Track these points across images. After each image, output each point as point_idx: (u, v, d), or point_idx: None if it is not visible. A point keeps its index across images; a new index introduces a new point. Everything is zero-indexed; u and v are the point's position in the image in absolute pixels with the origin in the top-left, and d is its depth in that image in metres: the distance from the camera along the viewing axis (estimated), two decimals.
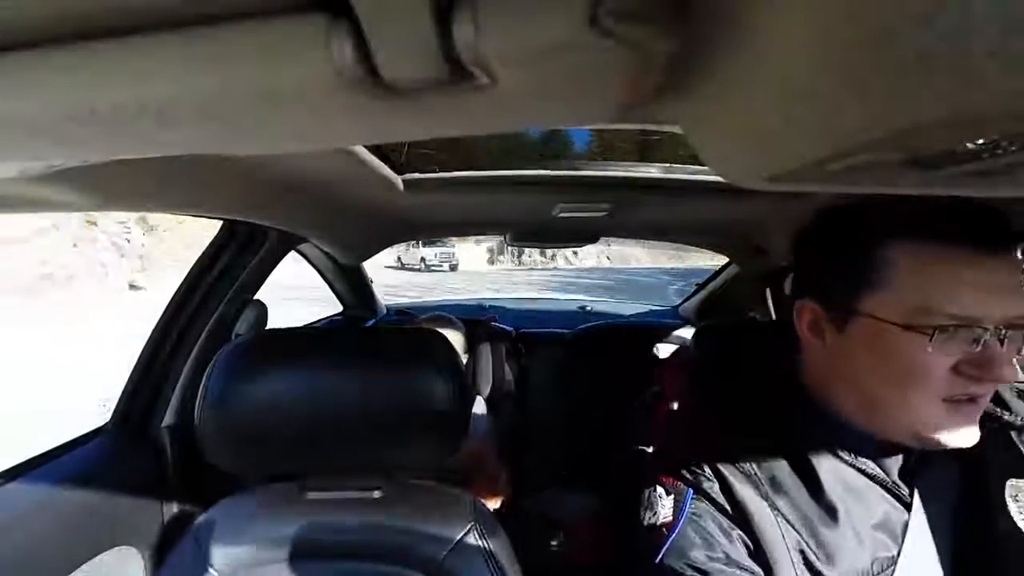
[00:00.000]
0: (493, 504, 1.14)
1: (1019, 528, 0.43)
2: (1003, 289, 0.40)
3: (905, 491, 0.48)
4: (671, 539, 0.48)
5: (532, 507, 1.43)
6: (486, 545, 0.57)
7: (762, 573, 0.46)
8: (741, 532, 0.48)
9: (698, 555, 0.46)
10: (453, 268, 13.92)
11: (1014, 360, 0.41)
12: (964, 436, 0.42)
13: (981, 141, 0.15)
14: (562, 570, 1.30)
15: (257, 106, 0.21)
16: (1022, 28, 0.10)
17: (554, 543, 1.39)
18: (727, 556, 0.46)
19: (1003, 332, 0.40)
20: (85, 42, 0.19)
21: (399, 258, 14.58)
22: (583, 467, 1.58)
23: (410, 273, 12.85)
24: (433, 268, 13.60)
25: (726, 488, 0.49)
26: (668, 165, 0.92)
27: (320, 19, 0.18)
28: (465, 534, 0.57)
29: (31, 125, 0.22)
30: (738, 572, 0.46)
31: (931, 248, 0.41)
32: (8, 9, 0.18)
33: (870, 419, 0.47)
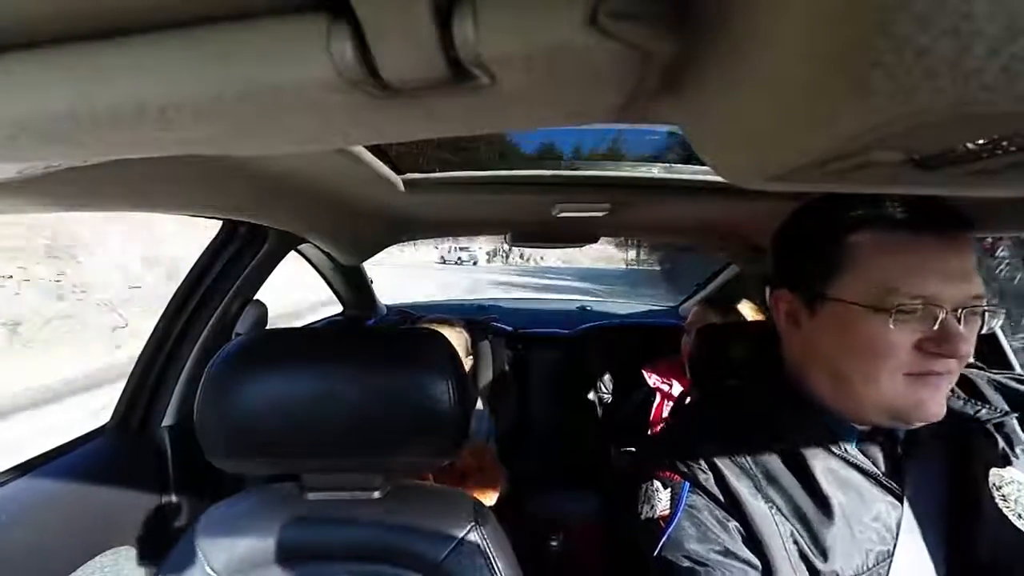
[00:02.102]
0: (493, 504, 1.14)
1: (1003, 514, 0.45)
2: (959, 273, 0.44)
3: (896, 485, 0.49)
4: (668, 532, 0.49)
5: (532, 507, 1.43)
6: (486, 545, 0.57)
7: (759, 565, 0.47)
8: (737, 524, 0.49)
9: (695, 547, 0.47)
10: (475, 264, 22.50)
11: (974, 337, 0.45)
12: (930, 409, 0.45)
13: (981, 141, 0.15)
14: (562, 570, 1.31)
15: (257, 106, 0.21)
16: (1022, 28, 0.10)
17: (554, 543, 1.39)
18: (725, 548, 0.47)
19: (960, 312, 0.43)
20: (85, 42, 0.19)
21: (442, 257, 23.15)
22: (583, 467, 1.58)
23: (448, 264, 21.54)
24: (464, 263, 22.16)
25: (721, 481, 0.50)
26: (668, 165, 0.92)
27: (320, 19, 0.18)
28: (465, 534, 0.57)
29: (31, 125, 0.22)
30: (735, 563, 0.46)
31: (893, 236, 0.44)
32: (8, 9, 0.18)
33: (843, 399, 0.49)
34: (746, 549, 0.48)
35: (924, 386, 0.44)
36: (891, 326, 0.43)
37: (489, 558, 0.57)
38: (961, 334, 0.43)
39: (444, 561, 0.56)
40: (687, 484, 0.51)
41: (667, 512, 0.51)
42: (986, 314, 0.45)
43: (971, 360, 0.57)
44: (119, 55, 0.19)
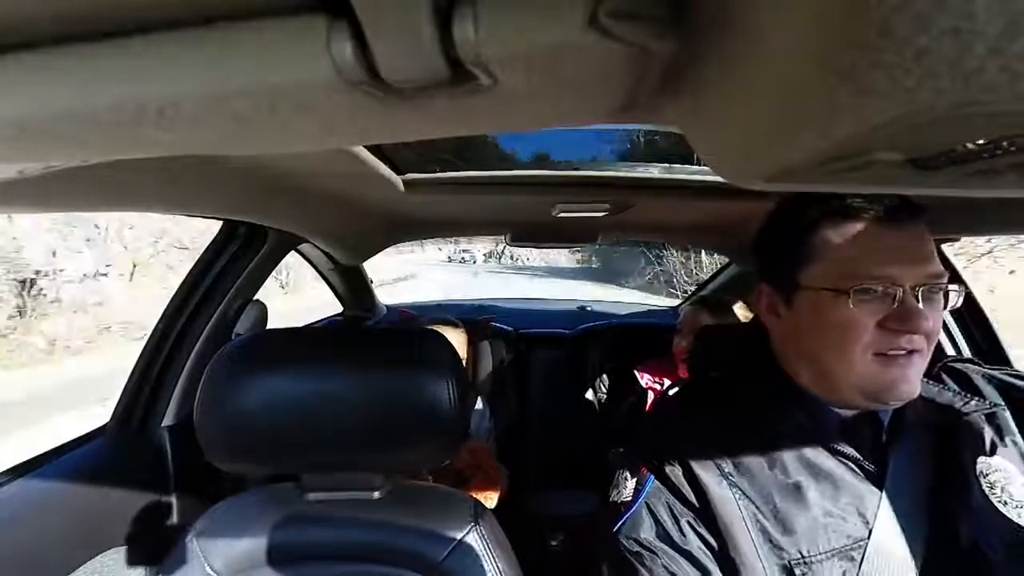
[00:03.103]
0: (493, 504, 1.14)
1: (991, 503, 0.46)
2: (913, 255, 0.47)
3: (876, 471, 0.51)
4: (625, 517, 0.54)
5: (532, 507, 1.43)
6: (486, 545, 0.57)
7: (711, 559, 0.50)
8: (694, 518, 0.52)
9: (646, 535, 0.52)
10: (474, 262, 25.15)
11: (936, 314, 0.47)
12: (901, 388, 0.47)
13: (981, 141, 0.15)
14: (562, 570, 1.31)
15: (257, 106, 0.21)
16: (1022, 28, 0.10)
17: (554, 543, 1.39)
18: (672, 541, 0.51)
19: (919, 291, 0.46)
20: (85, 42, 0.19)
21: (449, 257, 26.24)
22: (583, 467, 1.58)
23: (454, 262, 24.57)
24: (465, 261, 24.89)
25: (687, 472, 0.53)
26: (668, 165, 0.92)
27: (320, 19, 0.18)
28: (465, 535, 0.57)
29: (31, 125, 0.22)
30: (678, 556, 0.50)
31: (852, 227, 0.48)
32: (7, 9, 0.18)
33: (823, 384, 0.51)
34: (699, 543, 0.51)
35: (893, 365, 0.47)
36: (851, 306, 0.46)
37: (489, 558, 0.57)
38: (920, 311, 0.46)
39: (444, 561, 0.56)
40: (651, 477, 0.55)
41: (628, 500, 0.55)
42: (950, 294, 0.48)
43: (969, 356, 0.58)
44: (119, 55, 0.19)
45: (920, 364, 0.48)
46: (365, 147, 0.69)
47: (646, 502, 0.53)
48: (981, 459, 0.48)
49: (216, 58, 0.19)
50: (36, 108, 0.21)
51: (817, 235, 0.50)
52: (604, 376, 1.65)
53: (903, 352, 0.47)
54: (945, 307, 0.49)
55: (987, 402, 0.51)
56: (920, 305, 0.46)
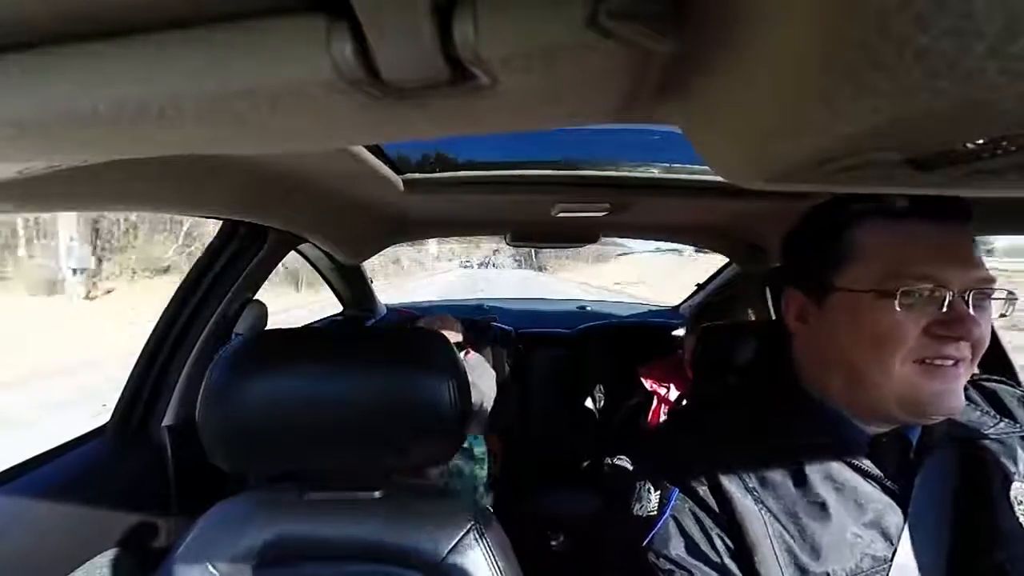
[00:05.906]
0: (492, 499, 1.14)
1: (1023, 528, 0.44)
2: (962, 258, 0.44)
3: (900, 490, 0.48)
4: (653, 533, 0.51)
5: (532, 507, 1.43)
6: (486, 545, 0.57)
7: (739, 574, 0.47)
8: (722, 532, 0.49)
9: (676, 551, 0.49)
10: (474, 267, 32.13)
11: (986, 323, 0.44)
12: (946, 401, 0.44)
13: (981, 141, 0.15)
14: (562, 570, 1.31)
15: (257, 106, 0.21)
16: (1022, 28, 0.10)
17: (554, 543, 1.39)
18: (704, 556, 0.48)
19: (968, 295, 0.43)
20: (85, 42, 0.20)
21: (460, 264, 33.00)
22: (584, 467, 1.58)
23: (464, 267, 32.12)
24: (468, 267, 32.06)
25: (712, 484, 0.50)
26: (668, 165, 0.92)
27: (320, 19, 0.18)
28: (465, 534, 0.57)
29: (31, 125, 0.22)
30: (712, 573, 0.47)
31: (896, 226, 0.45)
32: (8, 9, 0.18)
33: (856, 395, 0.48)
34: (729, 558, 0.48)
35: (938, 376, 0.43)
36: (897, 309, 0.42)
37: (489, 558, 0.57)
38: (971, 316, 0.42)
39: (444, 561, 0.56)
40: (675, 490, 0.52)
41: (654, 514, 0.52)
42: (996, 300, 0.45)
43: (998, 378, 0.56)
44: (119, 55, 0.19)
45: (966, 376, 0.44)
46: (365, 147, 0.69)
47: (673, 516, 0.51)
48: (1016, 484, 0.46)
49: (216, 58, 0.19)
50: (36, 108, 0.21)
51: (855, 233, 0.46)
52: (605, 376, 1.65)
53: (950, 362, 0.43)
54: (1005, 313, 0.46)
55: (1020, 426, 0.49)
56: (971, 311, 0.42)
